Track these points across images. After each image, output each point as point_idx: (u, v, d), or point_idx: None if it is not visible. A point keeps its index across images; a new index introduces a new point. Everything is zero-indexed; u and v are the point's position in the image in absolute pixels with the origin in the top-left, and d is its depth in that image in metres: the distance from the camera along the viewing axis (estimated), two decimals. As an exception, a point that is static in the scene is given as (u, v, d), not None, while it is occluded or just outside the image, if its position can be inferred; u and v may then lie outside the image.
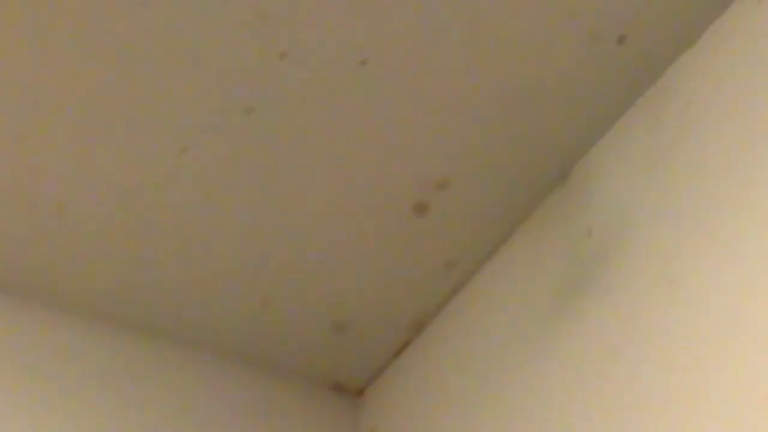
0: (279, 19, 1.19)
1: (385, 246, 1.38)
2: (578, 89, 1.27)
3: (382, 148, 1.30)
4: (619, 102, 1.27)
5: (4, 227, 1.32)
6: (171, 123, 1.25)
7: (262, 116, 1.26)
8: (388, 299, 1.43)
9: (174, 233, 1.34)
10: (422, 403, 1.44)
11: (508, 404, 1.33)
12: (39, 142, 1.26)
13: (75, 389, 1.36)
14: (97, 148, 1.27)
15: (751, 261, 1.11)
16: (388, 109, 1.27)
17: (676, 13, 1.22)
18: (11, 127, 1.25)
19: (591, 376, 1.24)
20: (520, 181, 1.34)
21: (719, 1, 1.21)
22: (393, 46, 1.22)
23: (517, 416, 1.31)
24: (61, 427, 1.33)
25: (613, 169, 1.28)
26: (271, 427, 1.46)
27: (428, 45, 1.22)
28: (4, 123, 1.24)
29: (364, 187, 1.33)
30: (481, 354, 1.38)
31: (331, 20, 1.20)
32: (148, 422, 1.38)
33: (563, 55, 1.24)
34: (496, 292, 1.39)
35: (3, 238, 1.33)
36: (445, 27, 1.21)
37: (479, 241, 1.39)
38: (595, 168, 1.30)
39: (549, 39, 1.23)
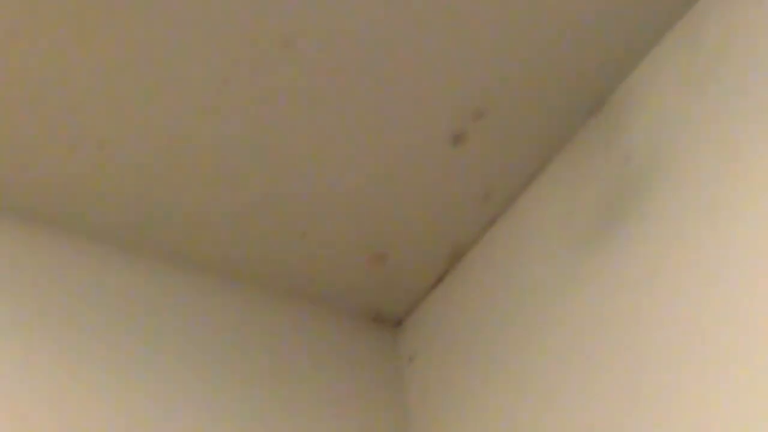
0: (315, -50, 1.19)
1: (423, 176, 1.39)
2: (615, 15, 1.26)
3: (418, 78, 1.30)
4: (656, 27, 1.27)
5: (47, 163, 1.33)
6: (211, 55, 1.25)
7: (300, 48, 1.26)
8: (426, 229, 1.44)
9: (214, 166, 1.35)
10: (460, 332, 1.45)
11: (546, 331, 1.33)
12: (79, 79, 1.26)
13: (114, 320, 1.37)
14: (138, 82, 1.27)
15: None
16: (424, 39, 1.27)
17: (713, -64, 1.22)
18: (51, 64, 1.25)
19: (629, 303, 1.24)
20: (558, 110, 1.34)
21: (757, -77, 1.21)
22: (430, -26, 1.22)
23: (556, 342, 1.32)
24: (98, 359, 1.34)
25: (650, 96, 1.28)
26: (310, 358, 1.47)
27: (465, -27, 1.22)
28: (44, 61, 1.25)
29: (401, 118, 1.33)
30: (519, 282, 1.39)
31: (368, -50, 1.20)
32: (186, 353, 1.39)
33: (600, -20, 1.24)
34: (533, 221, 1.39)
35: (45, 174, 1.34)
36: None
37: (516, 170, 1.39)
38: (633, 95, 1.30)
39: (586, -35, 1.23)
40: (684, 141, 1.23)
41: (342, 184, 1.39)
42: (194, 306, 1.43)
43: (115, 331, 1.36)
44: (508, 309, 1.39)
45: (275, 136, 1.33)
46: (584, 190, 1.33)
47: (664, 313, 1.20)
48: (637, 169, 1.27)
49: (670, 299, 1.20)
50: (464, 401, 1.41)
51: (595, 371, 1.26)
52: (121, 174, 1.35)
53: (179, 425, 1.34)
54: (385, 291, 1.50)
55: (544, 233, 1.37)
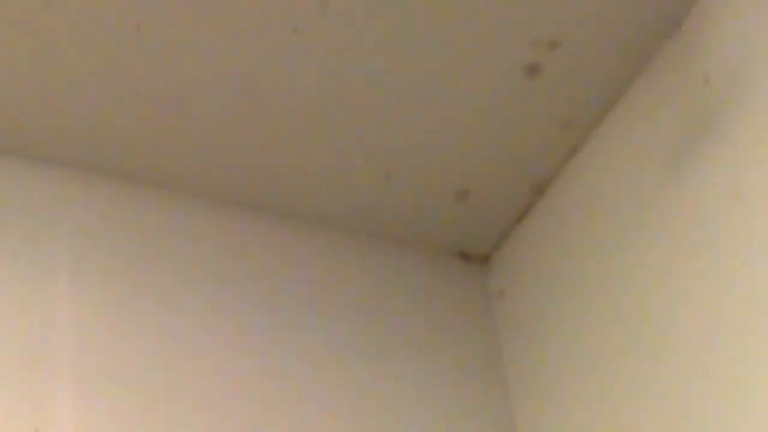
0: None
1: (500, 111, 1.38)
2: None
3: (491, 10, 1.29)
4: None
5: (126, 119, 1.34)
6: (280, 3, 1.26)
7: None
8: (507, 164, 1.43)
9: (292, 113, 1.36)
10: (549, 265, 1.45)
11: (633, 256, 1.33)
12: (155, 34, 1.27)
13: (203, 269, 1.39)
14: (210, 35, 1.28)
15: None
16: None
17: None
18: (129, 21, 1.26)
19: (711, 226, 1.23)
20: (633, 34, 1.32)
21: None
22: None
23: (643, 265, 1.31)
24: (189, 306, 1.36)
25: (726, 14, 1.26)
26: (400, 298, 1.48)
27: None
28: (122, 18, 1.26)
29: (475, 53, 1.32)
30: (603, 211, 1.38)
31: None
32: (278, 299, 1.41)
33: None
34: (614, 148, 1.38)
35: (126, 131, 1.35)
36: None
37: (594, 98, 1.38)
38: (710, 13, 1.28)
39: None
40: (763, 58, 1.21)
41: (421, 124, 1.39)
42: (279, 251, 1.44)
43: (203, 280, 1.38)
44: (594, 238, 1.39)
45: (352, 80, 1.33)
46: (664, 113, 1.32)
47: (749, 230, 1.19)
48: (717, 90, 1.25)
49: (752, 220, 1.19)
50: (557, 332, 1.41)
51: (682, 294, 1.25)
52: (200, 127, 1.36)
53: (276, 364, 1.36)
54: (470, 228, 1.50)
55: (626, 160, 1.36)
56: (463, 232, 1.51)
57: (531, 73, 1.34)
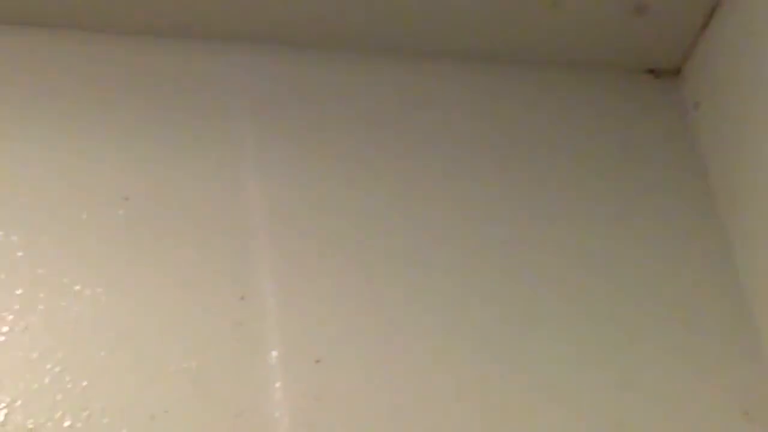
0: None
1: None
2: None
3: None
4: None
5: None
6: None
7: None
8: (682, -33, 1.38)
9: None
10: (740, 68, 1.38)
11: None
12: None
13: (387, 128, 1.39)
14: None
15: None
16: None
17: None
18: None
19: None
20: None
21: None
22: None
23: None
24: (380, 168, 1.36)
25: None
26: (596, 123, 1.45)
27: None
28: None
29: None
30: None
31: None
32: (476, 150, 1.40)
33: None
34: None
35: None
36: None
37: None
38: None
39: None
40: None
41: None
42: (473, 99, 1.44)
43: (388, 138, 1.38)
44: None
45: None
46: None
47: None
48: None
49: None
50: (758, 138, 1.36)
51: None
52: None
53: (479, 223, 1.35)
54: (655, 42, 1.45)
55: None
56: (648, 48, 1.46)
57: None
